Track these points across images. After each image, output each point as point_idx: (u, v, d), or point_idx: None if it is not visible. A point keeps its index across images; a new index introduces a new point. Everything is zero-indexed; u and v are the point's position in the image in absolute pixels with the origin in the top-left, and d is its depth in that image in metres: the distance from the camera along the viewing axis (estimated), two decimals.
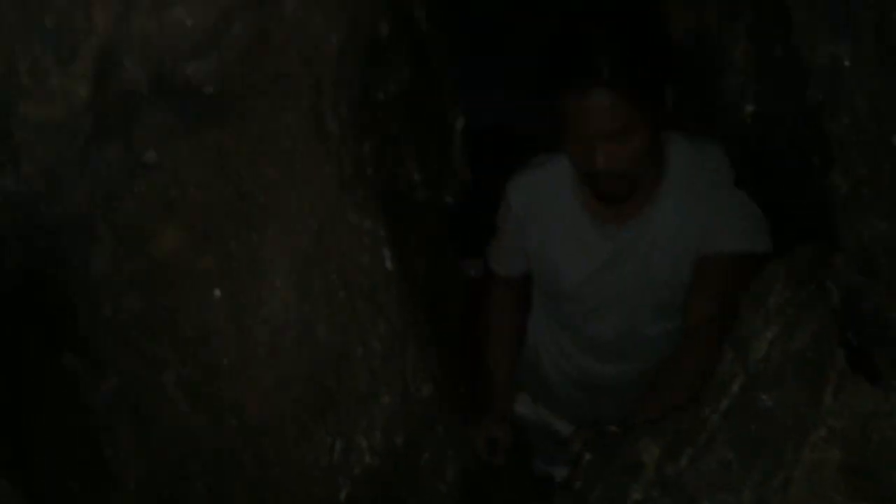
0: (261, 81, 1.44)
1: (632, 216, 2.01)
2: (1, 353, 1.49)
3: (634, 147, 1.85)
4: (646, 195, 1.98)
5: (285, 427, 1.52)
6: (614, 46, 1.81)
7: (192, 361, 1.46)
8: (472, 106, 2.69)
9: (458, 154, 2.67)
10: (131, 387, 1.50)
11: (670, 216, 1.97)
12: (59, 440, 1.55)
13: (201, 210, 1.45)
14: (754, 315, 1.45)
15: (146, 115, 1.34)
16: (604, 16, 1.84)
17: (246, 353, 1.46)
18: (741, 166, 1.80)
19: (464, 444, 1.92)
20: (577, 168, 1.96)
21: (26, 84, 1.21)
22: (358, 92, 1.75)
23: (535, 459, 2.45)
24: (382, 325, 1.62)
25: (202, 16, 1.33)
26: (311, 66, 1.52)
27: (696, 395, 1.54)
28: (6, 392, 1.56)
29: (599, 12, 1.86)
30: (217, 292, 1.45)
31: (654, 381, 1.94)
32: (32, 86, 1.21)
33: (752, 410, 1.24)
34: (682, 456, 1.38)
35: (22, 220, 1.37)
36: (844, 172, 1.21)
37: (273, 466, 1.53)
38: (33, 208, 1.36)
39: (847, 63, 1.14)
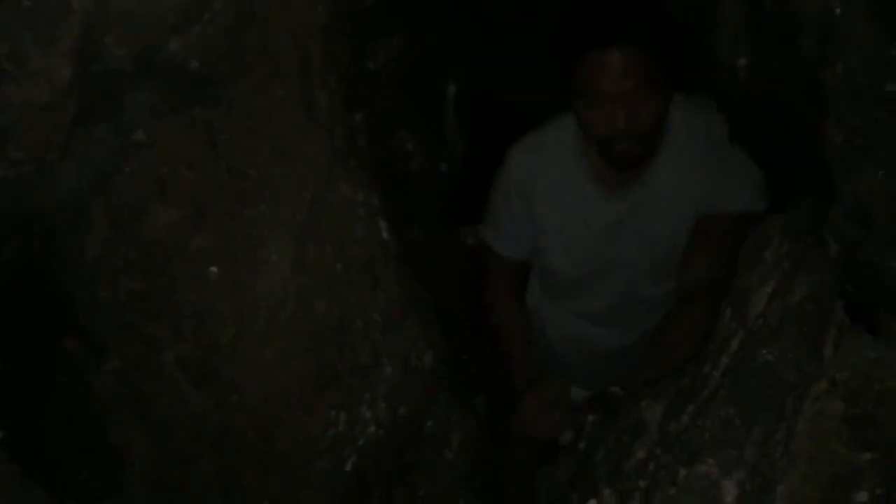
0: (247, 56, 1.42)
1: (634, 180, 2.01)
2: (3, 340, 1.49)
3: (655, 107, 1.87)
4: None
5: (288, 402, 1.53)
6: (634, 5, 1.84)
7: (191, 340, 1.46)
8: (465, 73, 2.68)
9: (451, 122, 2.66)
10: (132, 368, 1.50)
11: (671, 178, 1.97)
12: (65, 424, 1.56)
13: (193, 188, 1.45)
14: (752, 270, 1.44)
15: (132, 95, 1.33)
16: None
17: (245, 330, 1.46)
18: (735, 121, 1.79)
19: (467, 411, 1.92)
20: (594, 133, 1.94)
21: (7, 67, 1.20)
22: (347, 62, 1.74)
23: None
24: (381, 296, 1.62)
25: None
26: (297, 38, 1.51)
27: (696, 355, 1.54)
28: (11, 379, 1.56)
29: None
30: (213, 270, 1.44)
31: (654, 343, 1.95)
32: (13, 69, 1.20)
33: (752, 366, 1.24)
34: (683, 414, 1.39)
35: (13, 205, 1.37)
36: (839, 123, 1.20)
37: (277, 441, 1.54)
38: (24, 193, 1.35)
39: (838, 11, 1.13)
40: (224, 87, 1.43)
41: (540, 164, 2.15)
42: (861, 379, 1.23)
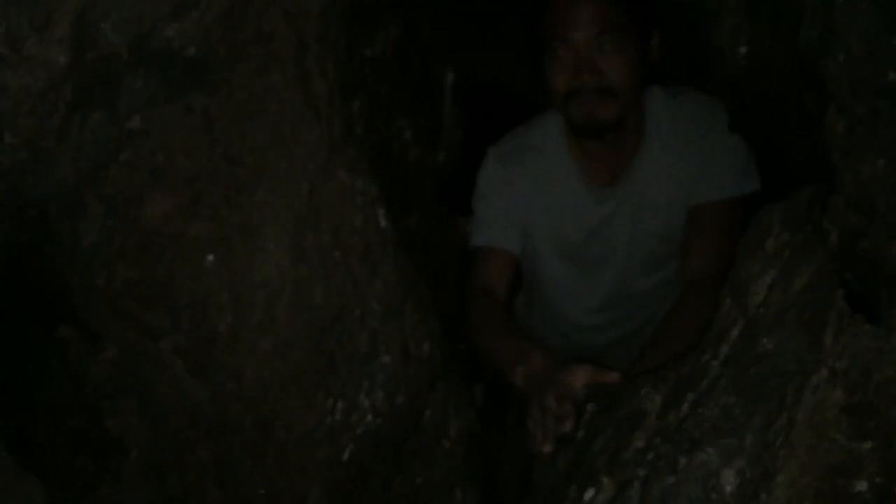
0: (244, 42, 1.41)
1: (620, 174, 1.99)
2: None
3: (623, 60, 1.82)
4: (633, 150, 1.95)
5: (286, 390, 1.52)
6: None
7: (188, 329, 1.46)
8: (464, 61, 2.67)
9: (449, 111, 2.65)
10: (129, 357, 1.49)
11: (657, 170, 1.95)
12: (61, 413, 1.55)
13: (190, 176, 1.43)
14: (752, 260, 1.44)
15: (128, 81, 1.32)
16: None
17: (242, 319, 1.46)
18: (736, 109, 1.78)
19: (466, 400, 1.92)
20: (560, 89, 1.90)
21: (3, 52, 1.19)
22: (344, 50, 1.73)
23: None
24: (379, 285, 1.62)
25: None
26: (295, 24, 1.50)
27: (697, 344, 1.53)
28: (4, 367, 1.56)
29: None
30: (210, 258, 1.44)
31: (654, 337, 1.93)
32: (9, 54, 1.19)
33: (752, 355, 1.24)
34: (683, 403, 1.38)
35: (8, 192, 1.36)
36: (841, 112, 1.20)
37: (275, 430, 1.53)
38: (19, 180, 1.34)
39: (840, 1, 1.12)
40: (221, 74, 1.42)
41: (523, 163, 2.11)
42: (861, 368, 1.22)
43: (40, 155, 1.32)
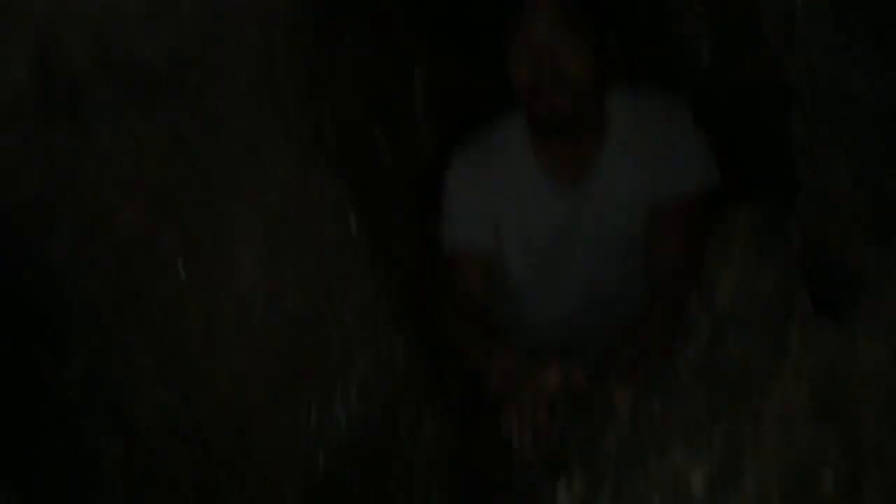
0: (213, 51, 1.41)
1: (583, 174, 2.00)
2: None
3: (583, 58, 1.85)
4: (596, 149, 1.96)
5: (261, 398, 1.52)
6: None
7: (160, 340, 1.46)
8: (435, 66, 2.67)
9: (421, 116, 2.65)
10: (101, 369, 1.49)
11: (619, 169, 1.96)
12: (34, 426, 1.54)
13: (160, 188, 1.43)
14: (719, 262, 1.47)
15: (94, 95, 1.32)
16: None
17: (215, 328, 1.46)
18: (699, 110, 1.81)
19: (439, 405, 1.93)
20: (520, 89, 1.93)
21: None
22: (314, 56, 1.73)
23: None
24: (352, 291, 1.62)
25: None
26: (264, 33, 1.50)
27: (669, 347, 1.56)
28: None
29: None
30: (182, 269, 1.44)
31: (622, 337, 1.94)
32: None
33: (720, 355, 1.27)
34: (654, 402, 1.41)
35: None
36: (802, 119, 1.23)
37: (250, 437, 1.54)
38: None
39: (802, 12, 1.15)
40: (190, 86, 1.41)
41: (489, 164, 2.11)
42: (825, 367, 1.25)
43: (8, 169, 1.31)
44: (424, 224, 2.58)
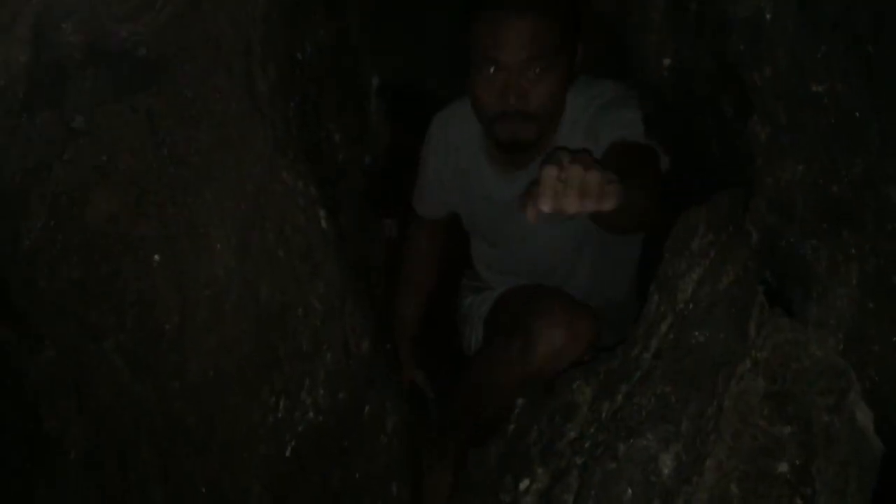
0: (193, 44, 1.42)
1: (530, 159, 2.01)
2: None
3: (549, 86, 1.79)
4: (547, 139, 1.97)
5: (230, 388, 1.53)
6: None
7: (133, 328, 1.46)
8: (388, 65, 2.70)
9: (375, 113, 2.68)
10: (70, 356, 1.48)
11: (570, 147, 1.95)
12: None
13: (135, 176, 1.43)
14: (679, 258, 1.52)
15: (78, 81, 1.32)
16: None
17: (188, 317, 1.46)
18: (658, 111, 1.84)
19: (399, 395, 1.96)
20: (483, 111, 1.89)
21: None
22: (283, 52, 1.75)
23: None
24: (321, 284, 1.64)
25: None
26: (240, 27, 1.51)
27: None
28: None
29: None
30: (156, 258, 1.44)
31: None
32: None
33: (684, 347, 1.31)
34: (617, 394, 1.45)
35: None
36: (764, 121, 1.29)
37: (219, 427, 1.55)
38: None
39: (769, 16, 1.20)
40: (169, 74, 1.42)
41: (459, 132, 2.15)
42: (780, 358, 1.31)
43: None
44: (378, 220, 2.61)
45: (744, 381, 1.32)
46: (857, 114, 1.14)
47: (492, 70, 1.80)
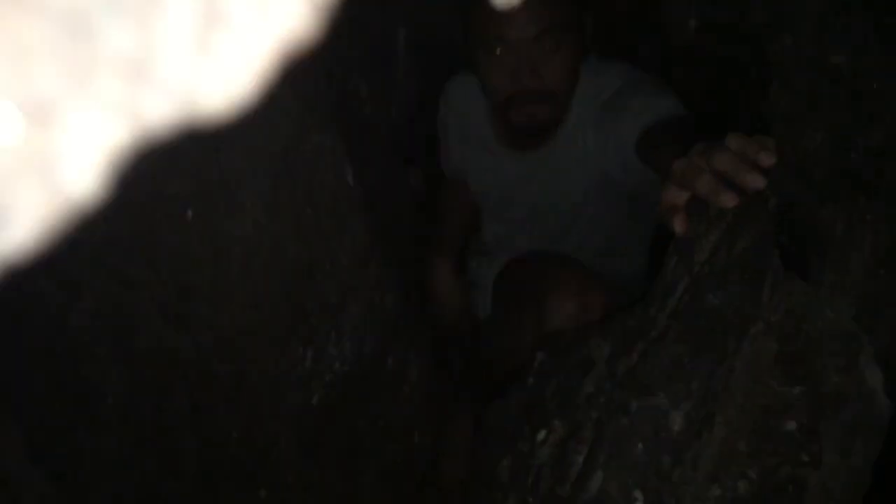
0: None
1: (539, 143, 1.99)
2: None
3: (564, 60, 1.77)
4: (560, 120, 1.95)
5: (260, 341, 1.59)
6: None
7: (168, 282, 1.51)
8: (416, 20, 2.71)
9: (401, 67, 2.70)
10: (108, 307, 1.54)
11: (578, 135, 1.93)
12: (38, 358, 1.59)
13: (169, 137, 1.47)
14: (697, 221, 1.55)
15: None
16: None
17: (221, 273, 1.51)
18: (688, 71, 1.84)
19: (423, 347, 2.02)
20: (496, 95, 1.84)
21: None
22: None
23: None
24: (347, 240, 1.69)
25: None
26: None
27: None
28: None
29: None
30: (190, 214, 1.48)
31: None
32: None
33: (698, 308, 1.35)
34: (633, 352, 1.50)
35: None
36: (784, 89, 1.31)
37: (249, 377, 1.61)
38: None
39: None
40: None
41: (469, 103, 2.16)
42: (792, 321, 1.35)
43: None
44: (405, 173, 2.65)
45: (756, 342, 1.36)
46: (875, 85, 1.16)
47: (499, 51, 1.76)
